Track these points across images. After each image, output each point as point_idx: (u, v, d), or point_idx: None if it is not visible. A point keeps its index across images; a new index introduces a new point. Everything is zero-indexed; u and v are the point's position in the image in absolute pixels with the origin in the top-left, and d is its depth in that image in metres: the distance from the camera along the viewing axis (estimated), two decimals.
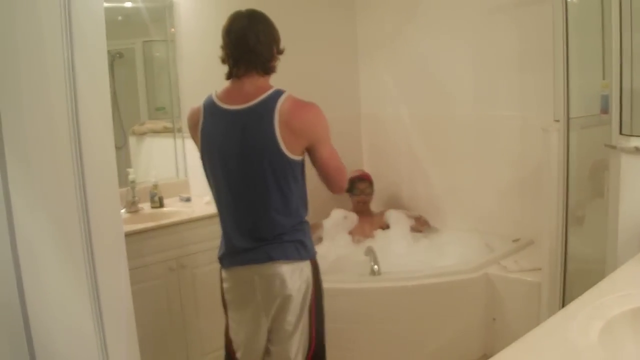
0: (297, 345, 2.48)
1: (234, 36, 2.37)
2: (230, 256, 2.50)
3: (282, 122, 2.28)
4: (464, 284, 3.63)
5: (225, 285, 2.56)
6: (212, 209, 3.57)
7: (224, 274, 2.55)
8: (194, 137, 2.52)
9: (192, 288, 3.51)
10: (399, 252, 4.19)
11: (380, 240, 4.35)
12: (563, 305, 3.10)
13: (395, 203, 4.94)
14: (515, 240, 4.06)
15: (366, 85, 5.12)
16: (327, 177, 2.49)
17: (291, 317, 2.44)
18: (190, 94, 4.04)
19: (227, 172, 2.40)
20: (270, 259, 2.39)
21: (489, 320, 3.69)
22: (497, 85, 4.19)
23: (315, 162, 2.43)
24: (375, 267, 3.70)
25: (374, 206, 4.84)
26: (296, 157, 2.35)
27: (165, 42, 4.15)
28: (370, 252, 3.82)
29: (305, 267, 2.47)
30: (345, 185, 2.59)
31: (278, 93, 2.35)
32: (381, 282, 3.64)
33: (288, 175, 2.36)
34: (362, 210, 4.69)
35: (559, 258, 3.20)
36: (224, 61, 2.43)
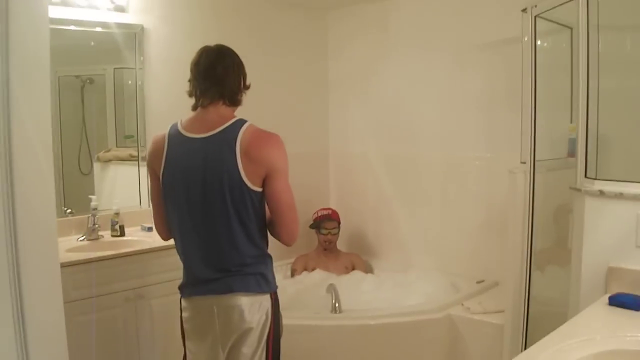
0: None
1: (202, 68, 2.39)
2: (191, 286, 2.46)
3: (242, 152, 2.26)
4: (426, 325, 3.58)
5: (184, 314, 2.51)
6: (172, 240, 3.53)
7: (183, 303, 2.51)
8: (152, 164, 2.49)
9: (149, 319, 3.43)
10: (363, 290, 4.15)
11: (343, 278, 4.30)
12: (525, 348, 3.10)
13: (360, 241, 4.92)
14: (479, 282, 4.04)
15: (335, 122, 5.12)
16: (279, 215, 2.39)
17: (247, 349, 2.39)
18: (157, 123, 3.98)
19: (189, 200, 2.37)
20: (231, 290, 2.36)
21: None
22: (465, 126, 4.20)
23: (268, 195, 2.35)
24: (337, 304, 3.65)
25: (340, 243, 4.80)
26: (256, 188, 2.32)
27: (135, 69, 4.11)
28: (331, 289, 3.77)
29: (265, 300, 2.43)
30: (296, 234, 2.45)
31: (240, 122, 2.34)
32: (342, 319, 3.59)
33: (248, 205, 2.32)
34: (329, 248, 4.67)
35: (522, 300, 3.18)
36: (190, 94, 2.43)
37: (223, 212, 2.32)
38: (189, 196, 2.36)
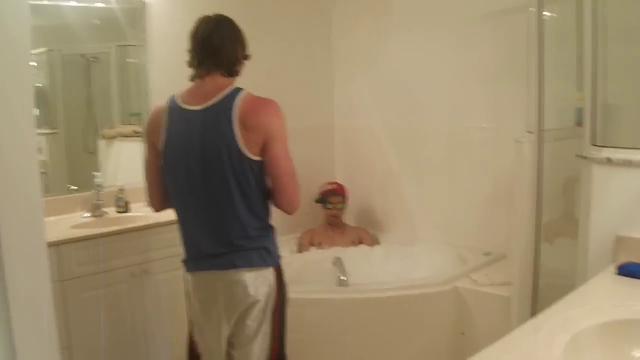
0: (258, 350, 2.46)
1: (200, 38, 2.39)
2: (194, 260, 2.48)
3: (239, 120, 2.27)
4: (433, 297, 3.56)
5: (189, 286, 2.53)
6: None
7: (187, 277, 2.53)
8: (151, 137, 2.51)
9: (155, 295, 3.42)
10: (370, 263, 4.13)
11: (349, 252, 4.28)
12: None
13: (367, 215, 4.90)
14: (486, 254, 4.01)
15: (340, 95, 5.07)
16: (278, 183, 2.38)
17: (252, 322, 2.41)
18: (160, 99, 3.92)
19: (189, 173, 2.38)
20: (234, 266, 2.37)
21: (458, 334, 3.63)
22: (471, 97, 4.16)
23: (267, 162, 2.34)
24: (343, 277, 3.64)
25: (347, 218, 4.78)
26: (255, 157, 2.31)
27: (137, 46, 4.08)
28: (338, 262, 3.76)
29: (268, 274, 2.44)
30: (297, 202, 2.44)
31: (236, 90, 2.34)
32: (348, 293, 3.57)
33: (248, 176, 2.32)
34: (334, 223, 4.65)
35: (530, 272, 3.14)
36: (190, 64, 2.43)
37: (223, 184, 2.32)
38: (189, 169, 2.36)
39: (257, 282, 2.39)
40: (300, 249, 4.59)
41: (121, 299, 3.31)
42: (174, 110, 2.40)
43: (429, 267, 3.96)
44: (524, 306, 3.20)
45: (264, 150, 2.32)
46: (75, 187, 3.83)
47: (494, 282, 3.55)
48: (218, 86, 2.35)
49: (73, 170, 3.99)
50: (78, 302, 3.13)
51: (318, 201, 4.65)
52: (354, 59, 4.91)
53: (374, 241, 4.65)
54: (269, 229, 2.48)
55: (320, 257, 4.23)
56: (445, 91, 4.31)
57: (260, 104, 2.32)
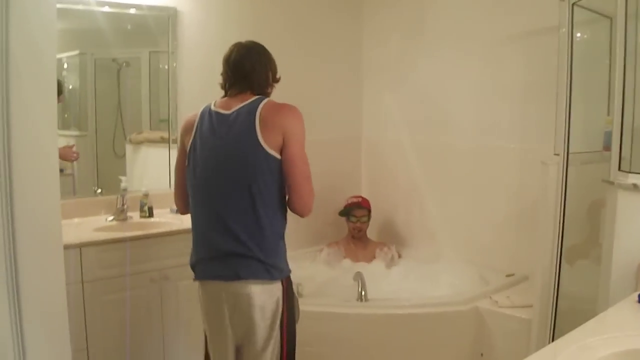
0: None
1: (232, 63, 2.53)
2: (202, 265, 2.54)
3: (261, 119, 2.38)
4: (453, 316, 3.54)
5: (199, 293, 2.60)
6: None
7: (197, 284, 2.60)
8: (183, 138, 2.61)
9: (174, 301, 3.43)
10: (390, 279, 4.12)
11: (370, 267, 4.27)
12: (553, 341, 3.04)
13: (390, 229, 4.89)
14: (508, 275, 3.97)
15: (369, 108, 5.08)
16: (293, 183, 2.41)
17: (260, 337, 2.44)
18: (189, 106, 3.97)
19: (209, 168, 2.47)
20: (238, 277, 2.40)
21: (477, 355, 3.60)
22: (500, 116, 4.13)
23: (284, 161, 2.40)
24: (363, 292, 3.62)
25: (369, 231, 4.77)
26: (274, 152, 2.38)
27: (168, 53, 4.11)
28: (358, 277, 3.74)
29: (275, 288, 2.47)
30: (310, 206, 2.47)
31: (262, 98, 2.48)
32: (367, 308, 3.56)
33: (265, 171, 2.38)
34: (358, 237, 4.64)
35: (551, 295, 3.11)
36: (222, 87, 2.58)
37: (241, 179, 2.39)
38: (210, 164, 2.47)
39: (263, 295, 2.41)
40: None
41: (140, 304, 3.32)
42: (206, 113, 2.52)
43: (450, 285, 3.93)
44: (544, 330, 3.17)
45: (282, 149, 2.39)
46: (100, 190, 3.86)
47: (514, 304, 3.52)
48: (247, 97, 2.48)
49: (100, 173, 4.02)
50: (97, 305, 3.14)
51: (342, 214, 4.65)
52: (384, 73, 4.91)
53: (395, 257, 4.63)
54: (280, 239, 2.51)
55: (342, 270, 4.23)
56: (473, 109, 4.29)
57: (281, 106, 2.44)
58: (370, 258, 4.51)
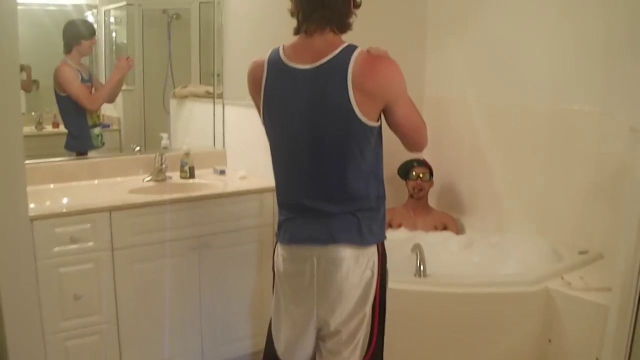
0: (353, 344, 2.21)
1: None
2: (290, 229, 2.20)
3: (355, 84, 1.98)
4: (520, 297, 3.18)
5: (277, 262, 2.27)
6: (246, 184, 3.27)
7: (279, 250, 2.27)
8: (253, 96, 2.24)
9: (215, 271, 3.18)
10: (451, 250, 3.77)
11: (429, 237, 3.93)
12: (633, 334, 2.70)
13: (452, 197, 4.51)
14: (582, 252, 3.59)
15: (432, 66, 4.65)
16: (403, 138, 2.22)
17: (348, 311, 2.17)
18: (235, 58, 3.71)
19: (291, 137, 2.14)
20: (333, 240, 2.10)
21: (544, 340, 3.25)
22: (578, 75, 3.68)
23: (391, 125, 2.16)
24: (421, 267, 3.30)
25: (432, 201, 4.42)
26: (372, 123, 2.06)
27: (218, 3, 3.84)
28: (417, 249, 3.41)
29: (371, 253, 2.17)
30: (425, 143, 2.30)
31: (351, 49, 2.05)
32: (426, 285, 3.23)
33: (363, 144, 2.07)
34: (418, 200, 4.25)
35: (634, 279, 2.74)
36: (292, 14, 2.13)
37: (333, 153, 2.08)
38: (292, 132, 2.12)
39: (358, 262, 2.13)
40: None
41: (177, 274, 3.08)
42: (275, 66, 2.12)
43: (517, 261, 3.57)
44: (624, 318, 2.80)
45: (385, 113, 2.11)
46: (138, 148, 3.61)
47: (589, 286, 3.15)
48: (330, 43, 2.06)
49: (148, 129, 3.83)
50: (128, 274, 2.92)
51: (401, 172, 4.28)
52: (449, 26, 4.48)
53: (459, 229, 4.27)
54: (378, 201, 2.21)
55: (398, 240, 3.90)
56: (548, 66, 3.85)
57: (377, 65, 2.03)
58: (431, 228, 4.15)
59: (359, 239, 2.12)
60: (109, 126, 3.75)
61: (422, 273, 3.27)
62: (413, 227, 4.16)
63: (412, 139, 2.23)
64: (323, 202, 2.12)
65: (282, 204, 2.25)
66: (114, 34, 3.78)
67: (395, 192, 4.40)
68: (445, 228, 4.20)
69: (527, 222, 4.00)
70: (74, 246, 2.75)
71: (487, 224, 4.19)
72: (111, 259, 2.85)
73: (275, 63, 2.12)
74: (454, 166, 4.50)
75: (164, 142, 3.57)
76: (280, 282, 2.26)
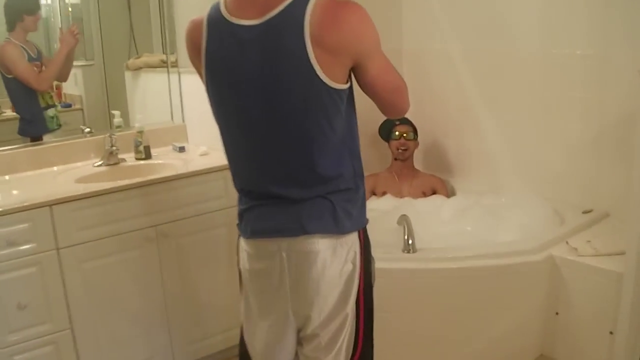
0: (335, 350, 1.88)
1: None
2: (252, 220, 1.84)
3: (314, 39, 1.60)
4: (522, 269, 2.86)
5: (242, 258, 1.91)
6: (208, 161, 2.94)
7: (242, 244, 1.90)
8: (195, 63, 1.83)
9: (177, 264, 2.84)
10: (442, 219, 3.44)
11: (419, 205, 3.58)
12: None
13: (439, 159, 4.15)
14: (586, 212, 3.27)
15: (410, 15, 4.22)
16: (380, 102, 1.86)
17: (327, 312, 1.83)
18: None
19: (242, 111, 1.74)
20: (304, 231, 1.75)
21: (551, 314, 2.96)
22: (572, 15, 3.31)
23: (364, 87, 1.78)
24: (410, 240, 2.95)
25: (418, 163, 4.07)
26: (340, 85, 1.68)
27: None
28: (404, 221, 3.07)
29: (351, 242, 1.82)
30: (407, 105, 1.92)
31: None
32: (415, 261, 2.88)
33: (330, 111, 1.70)
34: (403, 163, 3.89)
35: None
36: None
37: (295, 127, 1.71)
38: (243, 103, 1.73)
39: (337, 254, 1.79)
40: None
41: (135, 269, 2.74)
42: (216, 24, 1.72)
43: (516, 226, 3.24)
44: None
45: (355, 73, 1.73)
46: (89, 129, 3.24)
47: (599, 251, 2.83)
48: None
49: (113, 107, 3.46)
50: (78, 275, 2.58)
51: (382, 132, 3.92)
52: None
53: (449, 193, 3.91)
54: (356, 181, 1.86)
55: (383, 210, 3.55)
56: (538, 7, 3.48)
57: (342, 12, 1.63)
58: (419, 194, 3.80)
59: (335, 227, 1.77)
60: (70, 106, 3.41)
61: (411, 248, 2.92)
62: (399, 193, 3.81)
63: (391, 102, 1.87)
64: (288, 187, 1.76)
65: (240, 191, 1.89)
66: (69, 8, 3.42)
67: (377, 155, 4.07)
68: (434, 192, 3.86)
69: (524, 181, 3.67)
70: (11, 250, 2.41)
71: (480, 185, 3.85)
72: (57, 260, 2.50)
73: (216, 21, 1.72)
74: (440, 124, 4.12)
75: (117, 120, 3.22)
76: (247, 281, 1.91)
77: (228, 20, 1.68)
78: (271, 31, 1.62)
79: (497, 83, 3.76)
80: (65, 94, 3.40)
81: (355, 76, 1.74)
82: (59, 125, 3.30)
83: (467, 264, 2.83)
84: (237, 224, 1.90)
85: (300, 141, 1.71)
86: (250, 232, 1.83)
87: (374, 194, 3.87)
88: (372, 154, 4.06)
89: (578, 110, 3.35)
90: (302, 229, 1.74)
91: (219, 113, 1.81)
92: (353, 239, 1.82)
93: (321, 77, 1.62)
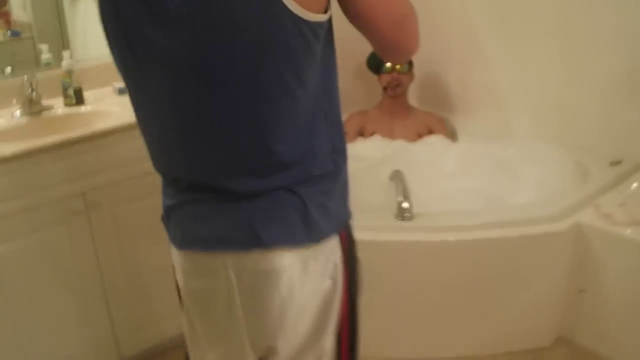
0: None
1: None
2: (182, 222, 1.29)
3: None
4: (542, 240, 2.34)
5: (178, 276, 1.36)
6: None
7: (175, 256, 1.34)
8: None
9: (114, 237, 2.28)
10: (444, 171, 2.88)
11: (417, 153, 3.02)
12: None
13: (438, 93, 3.55)
14: (614, 163, 2.72)
15: None
16: (378, 39, 1.26)
17: (297, 346, 1.31)
18: None
19: (162, 59, 1.15)
20: (259, 241, 1.20)
21: (574, 291, 2.45)
22: None
23: (351, 14, 1.19)
24: (405, 204, 2.39)
25: (413, 99, 3.46)
26: (315, 16, 1.10)
27: None
28: (397, 177, 2.52)
29: (330, 250, 1.28)
30: (416, 43, 1.31)
31: None
32: (412, 232, 2.34)
33: (298, 56, 1.12)
34: (395, 99, 3.30)
35: None
36: None
37: (242, 83, 1.12)
38: (164, 58, 1.14)
39: (309, 270, 1.24)
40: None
41: (60, 250, 2.18)
42: None
43: (532, 182, 2.70)
44: None
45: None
46: (10, 68, 2.63)
47: (635, 218, 2.29)
48: None
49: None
50: None
51: (371, 64, 3.31)
52: None
53: (448, 133, 3.33)
54: (335, 158, 1.28)
55: (371, 156, 3.00)
56: None
57: None
58: (413, 135, 3.23)
59: (307, 234, 1.22)
60: (19, 34, 2.80)
61: (406, 214, 2.37)
62: (390, 134, 3.24)
63: (393, 39, 1.26)
64: (234, 175, 1.20)
65: (163, 177, 1.33)
66: None
67: (365, 89, 3.49)
68: (430, 132, 3.28)
69: (538, 123, 3.10)
70: None
71: (486, 127, 3.27)
72: None
73: None
74: (440, 53, 3.47)
75: (45, 56, 2.63)
76: (186, 300, 1.36)
77: None
78: None
79: (508, 7, 3.14)
80: (14, 21, 2.77)
81: (339, 2, 1.17)
82: None
83: (476, 234, 2.31)
84: (162, 218, 1.35)
85: (251, 106, 1.14)
86: (181, 239, 1.29)
87: (361, 135, 3.31)
88: (359, 89, 3.49)
89: (608, 40, 2.76)
90: (255, 239, 1.19)
91: (124, 63, 1.22)
92: (332, 245, 1.27)
93: (286, 4, 1.04)
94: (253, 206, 1.19)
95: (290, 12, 1.04)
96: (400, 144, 3.17)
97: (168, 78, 1.16)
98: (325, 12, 1.12)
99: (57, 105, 2.52)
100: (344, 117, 3.24)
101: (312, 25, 1.09)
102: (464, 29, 3.35)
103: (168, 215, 1.31)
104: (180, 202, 1.27)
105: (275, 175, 1.18)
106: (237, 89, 1.12)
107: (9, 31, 2.75)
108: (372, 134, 3.30)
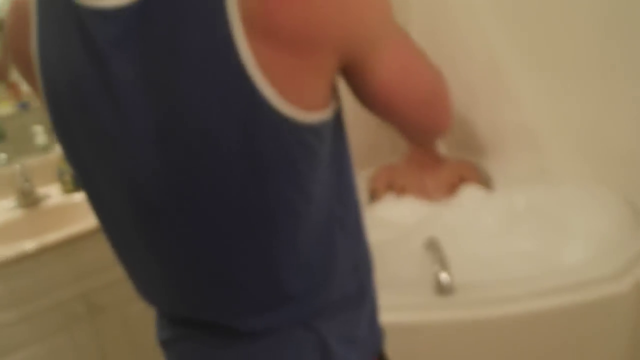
0: None
1: None
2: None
3: (252, 21, 0.76)
4: (600, 304, 2.07)
5: None
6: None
7: None
8: (24, 76, 1.00)
9: (125, 342, 2.06)
10: (483, 230, 2.60)
11: (450, 215, 2.76)
12: None
13: (465, 136, 3.29)
14: None
15: None
16: (401, 123, 1.04)
17: None
18: None
19: (124, 178, 0.92)
20: None
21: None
22: None
23: (363, 99, 0.96)
24: (444, 275, 2.14)
25: (441, 147, 3.23)
26: (316, 116, 0.86)
27: None
28: (433, 244, 2.28)
29: None
30: (448, 119, 1.09)
31: None
32: (455, 308, 2.08)
33: (298, 167, 0.87)
34: (421, 150, 3.05)
35: None
36: None
37: (228, 205, 0.88)
38: (125, 178, 0.91)
39: None
40: (374, 195, 3.06)
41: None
42: (53, 9, 0.87)
43: (582, 235, 2.42)
44: None
45: (348, 78, 0.92)
46: (5, 155, 2.45)
47: None
48: None
49: None
50: None
51: None
52: None
53: (483, 181, 3.08)
54: (360, 277, 1.06)
55: (403, 223, 2.75)
56: None
57: None
58: (445, 188, 2.98)
59: None
60: (27, 107, 2.58)
61: (446, 288, 2.12)
62: (422, 189, 2.98)
63: (420, 122, 1.04)
64: (234, 312, 0.97)
65: (151, 305, 1.12)
66: None
67: (391, 139, 3.25)
68: (463, 180, 3.03)
69: (582, 163, 2.83)
70: None
71: (522, 170, 3.01)
72: None
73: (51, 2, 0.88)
74: (464, 94, 3.13)
75: (40, 139, 2.43)
76: None
77: (72, 1, 0.83)
78: (156, 16, 0.79)
79: (540, 33, 2.87)
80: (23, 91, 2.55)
81: (348, 84, 0.94)
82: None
83: (526, 306, 2.04)
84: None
85: (243, 232, 0.91)
86: None
87: (390, 188, 3.07)
88: (384, 139, 3.25)
89: None
90: None
91: (83, 181, 1.00)
92: None
93: (274, 105, 0.80)
94: (257, 349, 0.98)
95: (281, 115, 0.80)
96: (433, 206, 2.92)
97: (132, 201, 0.93)
98: (329, 105, 0.89)
99: (54, 193, 2.32)
100: (370, 172, 3.03)
101: (314, 128, 0.86)
102: (488, 64, 3.10)
103: (164, 347, 1.12)
104: (175, 338, 1.07)
105: (283, 308, 0.96)
106: (221, 215, 0.89)
107: (19, 103, 2.55)
108: (401, 188, 3.04)
